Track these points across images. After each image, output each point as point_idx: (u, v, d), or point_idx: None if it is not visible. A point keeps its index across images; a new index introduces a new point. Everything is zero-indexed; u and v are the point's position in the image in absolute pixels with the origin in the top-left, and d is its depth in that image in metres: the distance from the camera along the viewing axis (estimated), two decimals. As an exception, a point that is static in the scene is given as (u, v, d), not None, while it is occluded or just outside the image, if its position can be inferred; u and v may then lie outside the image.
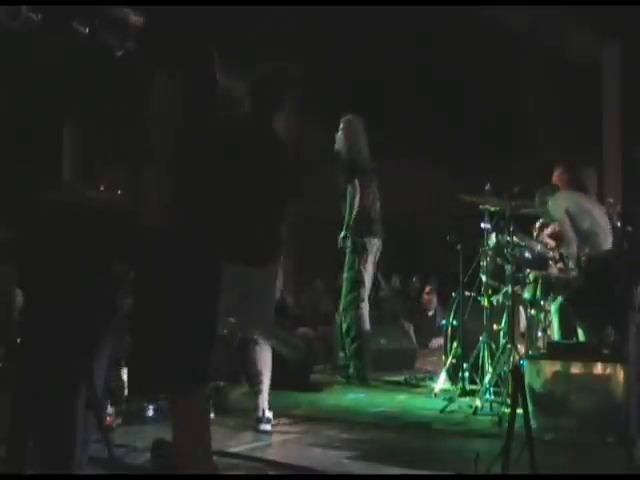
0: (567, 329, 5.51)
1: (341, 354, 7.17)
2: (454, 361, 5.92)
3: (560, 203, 5.62)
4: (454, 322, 6.08)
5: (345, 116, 6.74)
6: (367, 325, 6.61)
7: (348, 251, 6.58)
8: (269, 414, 4.67)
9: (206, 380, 2.81)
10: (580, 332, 5.38)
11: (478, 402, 5.11)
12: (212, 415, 4.67)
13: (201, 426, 2.78)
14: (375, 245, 6.62)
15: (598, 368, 4.56)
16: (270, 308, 4.85)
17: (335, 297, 10.09)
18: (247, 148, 4.39)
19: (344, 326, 6.58)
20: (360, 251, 6.53)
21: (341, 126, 6.72)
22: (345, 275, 6.62)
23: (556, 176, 6.38)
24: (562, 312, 5.56)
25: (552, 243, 5.93)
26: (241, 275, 4.33)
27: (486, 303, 5.62)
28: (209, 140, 2.76)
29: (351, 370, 6.54)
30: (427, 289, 9.44)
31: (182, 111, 2.63)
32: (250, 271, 4.48)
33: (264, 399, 4.69)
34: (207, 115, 2.75)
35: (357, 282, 6.54)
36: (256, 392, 4.73)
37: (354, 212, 6.51)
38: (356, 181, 6.52)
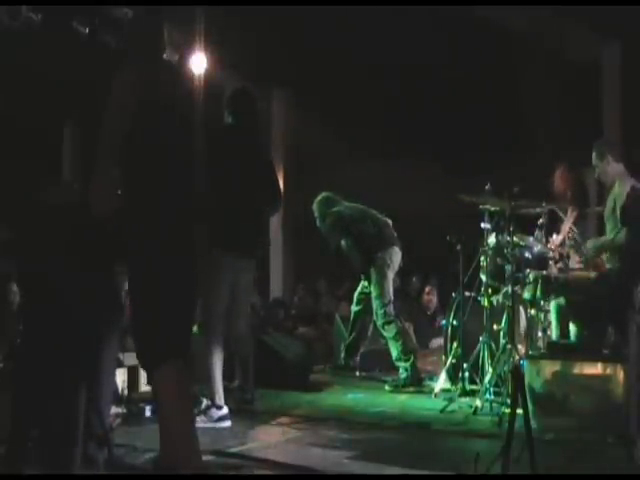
0: (565, 328, 5.50)
1: (341, 354, 7.17)
2: (454, 361, 5.91)
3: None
4: (454, 322, 6.07)
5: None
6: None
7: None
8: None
9: (182, 352, 2.84)
10: (573, 329, 5.36)
11: (478, 402, 5.10)
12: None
13: (186, 426, 2.77)
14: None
15: (598, 368, 4.55)
16: (248, 304, 5.35)
17: (336, 298, 10.11)
18: (232, 153, 4.87)
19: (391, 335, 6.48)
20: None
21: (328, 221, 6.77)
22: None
23: (557, 176, 6.38)
24: (561, 311, 5.55)
25: (558, 240, 5.84)
26: (232, 266, 4.81)
27: (486, 303, 5.61)
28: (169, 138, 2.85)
29: (403, 375, 6.37)
30: (427, 289, 9.41)
31: (133, 105, 2.72)
32: (240, 262, 4.87)
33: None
34: (169, 113, 2.85)
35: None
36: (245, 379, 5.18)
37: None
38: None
